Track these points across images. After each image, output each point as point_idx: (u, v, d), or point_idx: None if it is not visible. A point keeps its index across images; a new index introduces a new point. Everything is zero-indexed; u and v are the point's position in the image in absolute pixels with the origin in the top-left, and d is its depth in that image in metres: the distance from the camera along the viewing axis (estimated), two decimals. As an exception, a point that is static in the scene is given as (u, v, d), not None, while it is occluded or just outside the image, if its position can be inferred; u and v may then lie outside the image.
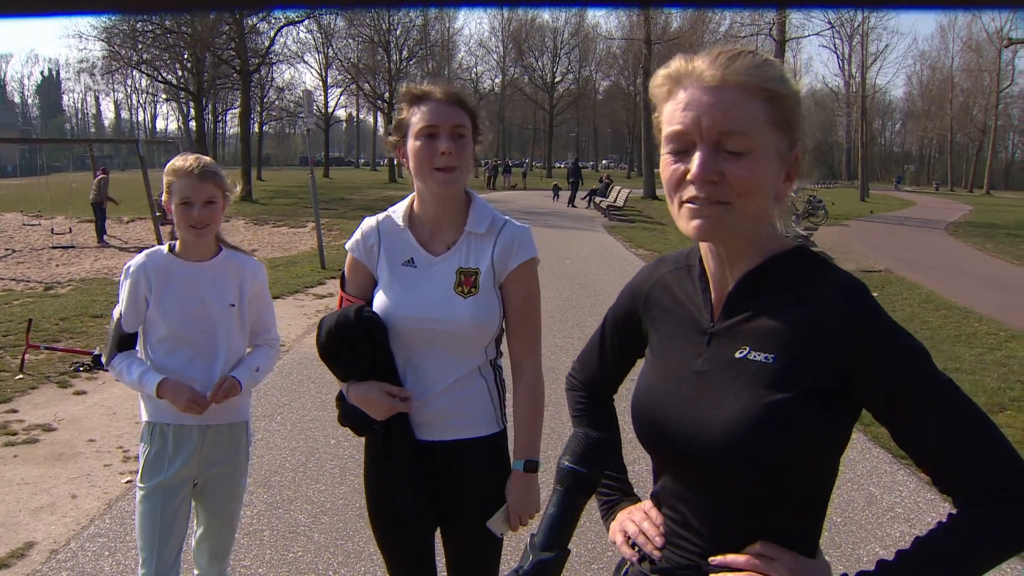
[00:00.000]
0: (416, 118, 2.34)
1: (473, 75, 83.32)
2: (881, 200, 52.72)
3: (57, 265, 16.80)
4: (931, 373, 1.39)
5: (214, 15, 36.96)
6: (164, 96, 64.42)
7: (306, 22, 48.64)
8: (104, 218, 21.22)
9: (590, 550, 4.32)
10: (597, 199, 34.78)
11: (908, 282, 15.42)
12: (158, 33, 38.63)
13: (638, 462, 1.89)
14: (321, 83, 69.73)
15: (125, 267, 3.06)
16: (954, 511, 1.41)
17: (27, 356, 8.11)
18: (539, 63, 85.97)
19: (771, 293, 1.50)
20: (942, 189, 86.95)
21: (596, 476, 1.45)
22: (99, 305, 11.32)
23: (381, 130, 78.91)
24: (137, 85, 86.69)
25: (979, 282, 16.29)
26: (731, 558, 1.51)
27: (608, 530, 1.81)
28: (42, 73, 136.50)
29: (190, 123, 56.79)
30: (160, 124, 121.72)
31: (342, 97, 76.53)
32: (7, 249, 19.49)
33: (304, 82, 78.27)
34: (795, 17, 41.14)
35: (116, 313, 3.04)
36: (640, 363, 1.81)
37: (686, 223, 1.45)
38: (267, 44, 43.71)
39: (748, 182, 1.40)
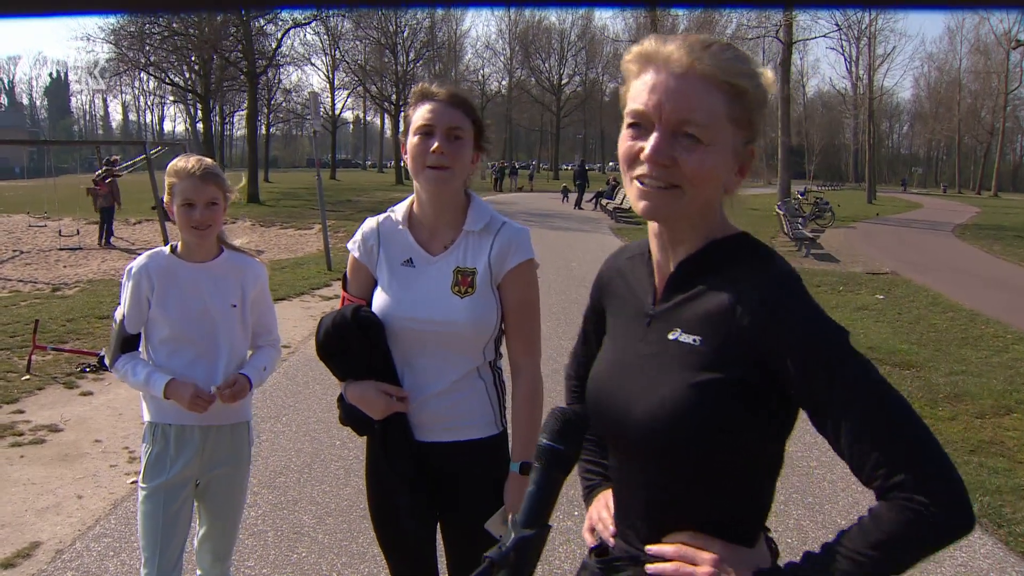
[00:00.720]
0: (416, 115, 2.38)
1: (480, 77, 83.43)
2: (888, 202, 52.63)
3: (64, 266, 16.84)
4: (847, 363, 1.37)
5: (221, 17, 37.07)
6: (172, 98, 64.70)
7: (313, 24, 48.77)
8: (112, 220, 21.25)
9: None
10: (603, 201, 34.75)
11: (915, 284, 15.38)
12: (165, 35, 38.75)
13: None
14: (328, 85, 69.86)
15: (127, 268, 3.07)
16: (874, 504, 1.39)
17: (34, 357, 8.13)
18: (546, 65, 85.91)
19: (707, 277, 1.52)
20: (950, 191, 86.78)
21: (573, 453, 1.46)
22: (106, 306, 11.33)
23: (388, 132, 79.37)
24: (145, 87, 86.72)
25: (986, 284, 16.24)
26: (660, 548, 1.53)
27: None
28: (50, 75, 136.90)
29: (197, 125, 56.86)
30: (168, 126, 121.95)
31: (349, 99, 76.71)
32: (15, 250, 19.54)
33: (311, 84, 78.86)
34: (802, 19, 41.04)
35: (118, 315, 3.05)
36: None
37: (635, 200, 1.49)
38: (274, 46, 43.76)
39: (699, 172, 1.43)
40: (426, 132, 2.34)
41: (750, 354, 1.43)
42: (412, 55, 65.14)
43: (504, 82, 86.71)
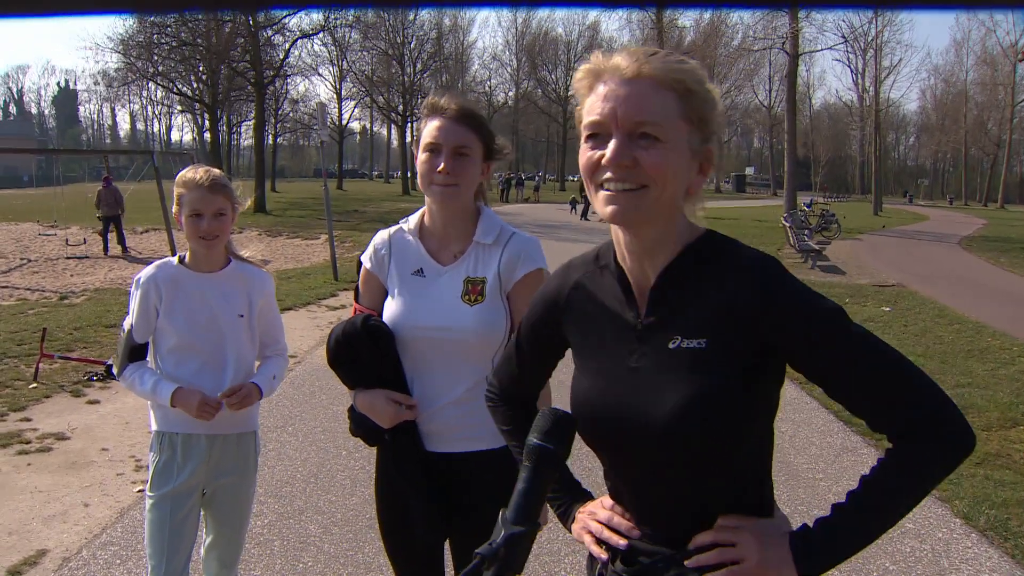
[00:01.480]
0: (425, 132, 2.41)
1: (487, 88, 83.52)
2: (894, 214, 52.60)
3: (71, 275, 16.92)
4: (849, 327, 1.48)
5: (229, 27, 37.23)
6: (179, 108, 64.94)
7: (320, 35, 48.89)
8: (121, 228, 21.30)
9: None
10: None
11: (921, 296, 15.36)
12: (174, 45, 38.93)
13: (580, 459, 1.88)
14: (335, 95, 70.01)
15: (135, 278, 3.09)
16: (889, 446, 1.52)
17: (41, 365, 8.17)
18: (553, 76, 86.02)
19: (691, 281, 1.57)
20: (956, 203, 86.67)
21: (562, 452, 1.49)
22: (113, 315, 11.37)
23: (395, 142, 79.45)
24: (152, 97, 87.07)
25: (993, 296, 16.21)
26: (700, 539, 1.58)
27: (572, 533, 1.84)
28: (58, 84, 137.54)
29: (205, 135, 57.19)
30: (175, 135, 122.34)
31: (356, 109, 76.85)
32: (22, 259, 19.63)
33: (318, 94, 78.71)
34: (808, 31, 41.15)
35: (127, 324, 3.07)
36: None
37: (603, 207, 1.51)
38: (282, 56, 43.92)
39: (659, 167, 1.47)
40: (433, 150, 2.38)
41: (755, 341, 1.50)
42: (419, 66, 65.34)
43: (511, 93, 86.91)
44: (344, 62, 65.51)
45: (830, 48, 51.83)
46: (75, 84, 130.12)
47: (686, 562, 1.59)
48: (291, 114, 62.66)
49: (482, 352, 2.45)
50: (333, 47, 61.93)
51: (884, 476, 1.49)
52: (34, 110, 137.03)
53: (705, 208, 1.68)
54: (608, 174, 1.49)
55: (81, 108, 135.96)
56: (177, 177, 3.04)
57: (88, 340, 9.83)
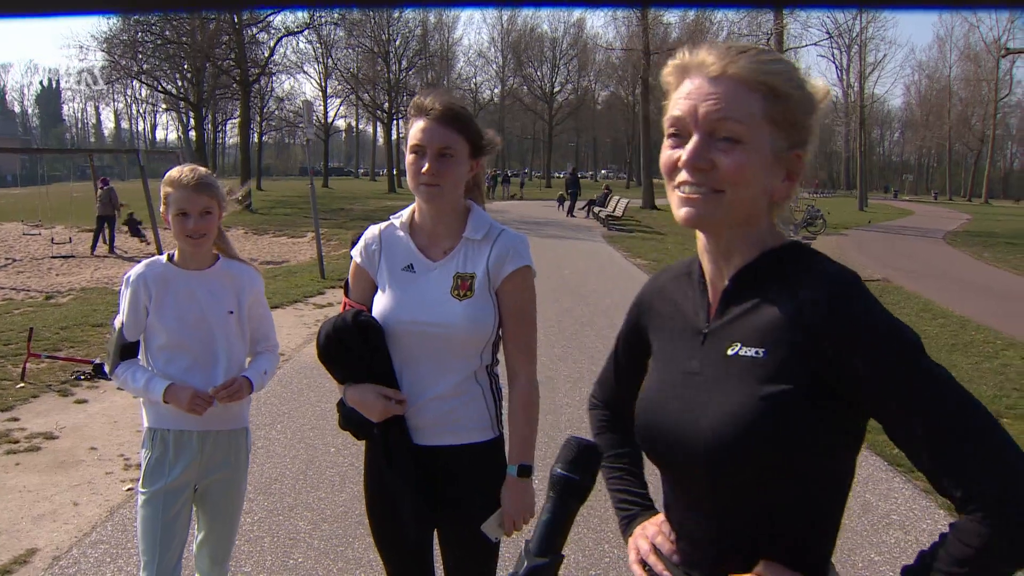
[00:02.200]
0: (410, 133, 2.45)
1: (472, 85, 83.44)
2: (880, 209, 52.84)
3: (57, 275, 16.86)
4: (923, 362, 1.32)
5: (213, 25, 37.11)
6: (164, 106, 64.82)
7: (306, 32, 48.86)
8: (113, 228, 21.26)
9: (587, 556, 4.36)
10: (596, 209, 34.85)
11: (906, 291, 15.47)
12: (158, 43, 38.81)
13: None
14: (321, 93, 69.89)
15: (124, 276, 3.11)
16: (954, 520, 1.31)
17: (28, 365, 8.14)
18: (538, 73, 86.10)
19: (763, 289, 1.47)
20: (941, 198, 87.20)
21: (588, 482, 1.44)
22: (99, 314, 11.35)
23: (380, 140, 79.28)
24: (137, 95, 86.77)
25: (977, 291, 16.35)
26: None
27: (627, 545, 1.77)
28: (41, 83, 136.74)
29: (190, 133, 57.00)
30: (160, 134, 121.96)
31: (341, 107, 76.79)
32: (7, 258, 19.54)
33: (304, 92, 78.72)
34: (793, 27, 41.30)
35: (117, 322, 3.09)
36: None
37: (677, 209, 1.47)
38: (267, 54, 43.89)
39: (737, 171, 1.40)
40: (418, 152, 2.42)
41: (816, 361, 1.37)
42: (404, 63, 65.22)
43: (496, 90, 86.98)
44: (329, 60, 65.45)
45: (815, 44, 52.30)
46: (58, 83, 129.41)
47: None
48: (276, 112, 62.60)
49: (470, 347, 2.48)
50: (318, 45, 62.04)
51: (944, 556, 1.29)
52: (17, 109, 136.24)
53: (794, 213, 1.59)
54: (684, 176, 1.44)
55: (65, 107, 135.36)
56: (165, 176, 3.06)
57: (75, 340, 9.80)
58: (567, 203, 38.48)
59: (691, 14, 47.54)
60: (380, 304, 2.52)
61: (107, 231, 21.03)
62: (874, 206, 55.15)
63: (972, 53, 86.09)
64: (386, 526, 2.62)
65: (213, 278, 3.13)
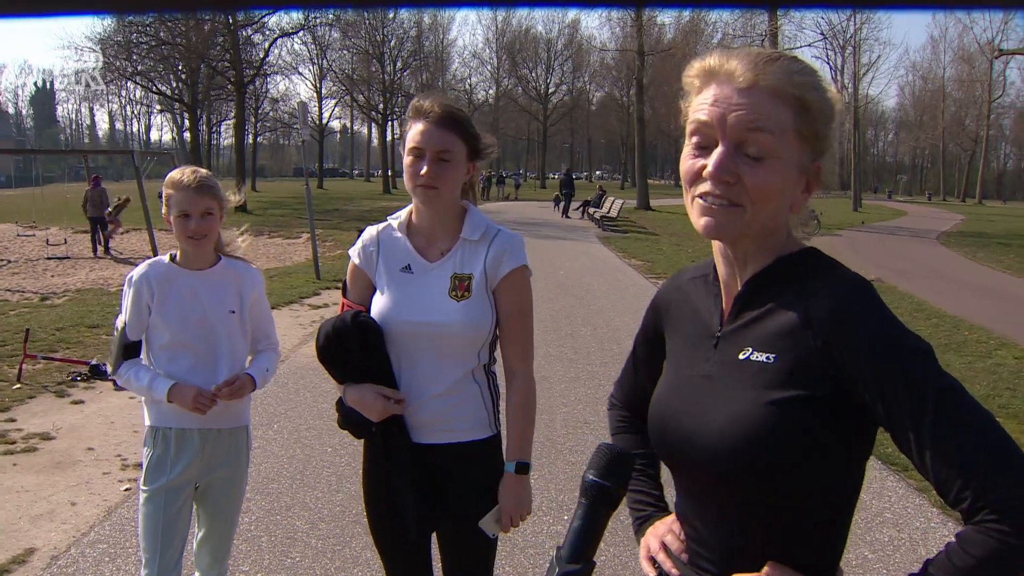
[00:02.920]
0: (409, 135, 2.47)
1: (467, 86, 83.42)
2: (874, 210, 52.96)
3: (52, 276, 16.84)
4: (933, 372, 1.31)
5: (208, 26, 37.08)
6: (159, 107, 64.72)
7: (300, 33, 48.83)
8: (106, 229, 21.23)
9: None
10: (591, 210, 34.89)
11: (900, 291, 15.52)
12: (153, 44, 38.74)
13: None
14: (315, 94, 69.89)
15: (127, 277, 3.13)
16: (960, 529, 1.29)
17: (24, 366, 8.15)
18: (533, 74, 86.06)
19: (777, 294, 1.47)
20: (935, 199, 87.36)
21: (619, 490, 1.45)
22: (95, 315, 11.36)
23: (375, 141, 79.25)
24: (131, 96, 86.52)
25: (970, 291, 16.41)
26: None
27: (639, 544, 1.79)
28: (36, 84, 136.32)
29: (184, 134, 56.87)
30: (154, 135, 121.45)
31: (336, 108, 76.76)
32: (2, 260, 19.51)
33: (299, 93, 78.67)
34: (787, 28, 41.36)
35: (120, 322, 3.11)
36: None
37: (697, 218, 1.45)
38: (262, 55, 43.85)
39: (764, 188, 1.39)
40: (416, 154, 2.44)
41: (827, 369, 1.37)
42: (399, 64, 65.26)
43: (491, 91, 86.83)
44: (324, 61, 65.50)
45: (809, 45, 52.01)
46: (52, 84, 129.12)
47: None
48: (271, 113, 62.57)
49: (468, 346, 2.51)
50: (313, 46, 62.01)
51: (949, 564, 1.26)
52: (11, 110, 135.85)
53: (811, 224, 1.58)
54: (706, 187, 1.41)
55: (59, 108, 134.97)
56: (166, 178, 3.09)
57: (71, 341, 9.81)
58: (562, 204, 38.50)
59: (686, 15, 47.69)
60: (379, 305, 2.54)
61: (100, 233, 21.00)
62: (868, 207, 55.27)
63: (966, 54, 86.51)
64: (385, 524, 2.65)
65: (215, 278, 3.16)
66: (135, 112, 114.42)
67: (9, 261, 19.29)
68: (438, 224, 2.56)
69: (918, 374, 1.30)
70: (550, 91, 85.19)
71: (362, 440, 2.67)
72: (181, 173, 3.08)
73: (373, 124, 71.30)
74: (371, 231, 2.66)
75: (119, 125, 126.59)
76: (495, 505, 2.52)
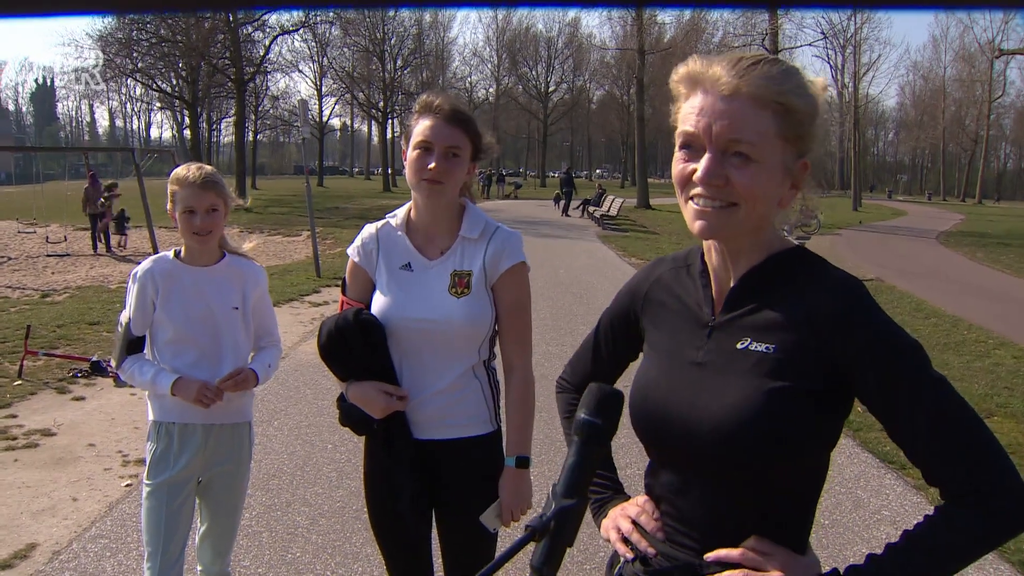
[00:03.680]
0: (417, 129, 2.48)
1: (467, 84, 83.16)
2: (874, 209, 52.95)
3: (52, 273, 16.85)
4: (923, 370, 1.43)
5: (209, 24, 37.07)
6: (159, 104, 64.73)
7: (301, 31, 48.82)
8: (107, 226, 21.21)
9: (582, 550, 4.40)
10: (591, 208, 34.90)
11: (899, 291, 15.54)
12: (153, 42, 38.73)
13: (630, 466, 1.92)
14: (316, 92, 69.85)
15: (132, 273, 3.16)
16: (940, 504, 1.45)
17: (25, 362, 8.17)
18: (533, 73, 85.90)
19: (772, 289, 1.56)
20: (935, 199, 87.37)
21: (610, 427, 1.47)
22: (96, 312, 11.38)
23: (375, 139, 79.27)
24: (132, 93, 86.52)
25: (969, 291, 16.43)
26: (725, 553, 1.54)
27: (600, 528, 1.83)
28: (36, 81, 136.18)
29: (184, 132, 56.90)
30: (155, 132, 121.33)
31: (337, 106, 76.74)
32: (2, 256, 19.51)
33: (299, 91, 78.71)
34: (787, 27, 41.36)
35: (123, 318, 3.13)
36: (632, 366, 1.86)
37: (691, 221, 1.52)
38: (262, 53, 43.85)
39: (751, 188, 1.46)
40: (425, 148, 2.45)
41: (824, 362, 1.46)
42: (400, 62, 65.19)
43: (491, 89, 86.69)
44: (324, 58, 65.42)
45: (809, 44, 52.07)
46: (52, 81, 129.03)
47: (705, 575, 1.57)
48: (271, 111, 62.52)
49: (469, 342, 2.54)
50: (313, 43, 61.94)
51: (928, 536, 1.42)
52: (12, 107, 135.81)
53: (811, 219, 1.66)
54: (698, 190, 1.49)
55: (59, 105, 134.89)
56: (171, 175, 3.11)
57: (71, 337, 9.83)
58: (562, 202, 38.51)
59: (686, 14, 47.64)
60: (379, 302, 2.56)
61: (103, 228, 20.97)
62: (868, 206, 55.23)
63: (966, 54, 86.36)
64: (386, 519, 2.67)
65: (219, 274, 3.18)
66: (135, 109, 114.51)
67: (10, 258, 19.29)
68: (438, 222, 2.57)
69: (913, 368, 1.43)
70: (550, 89, 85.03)
71: (363, 437, 2.69)
72: (187, 169, 3.10)
73: (373, 122, 71.29)
74: (370, 229, 2.68)
75: (119, 122, 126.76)
76: (496, 500, 2.54)
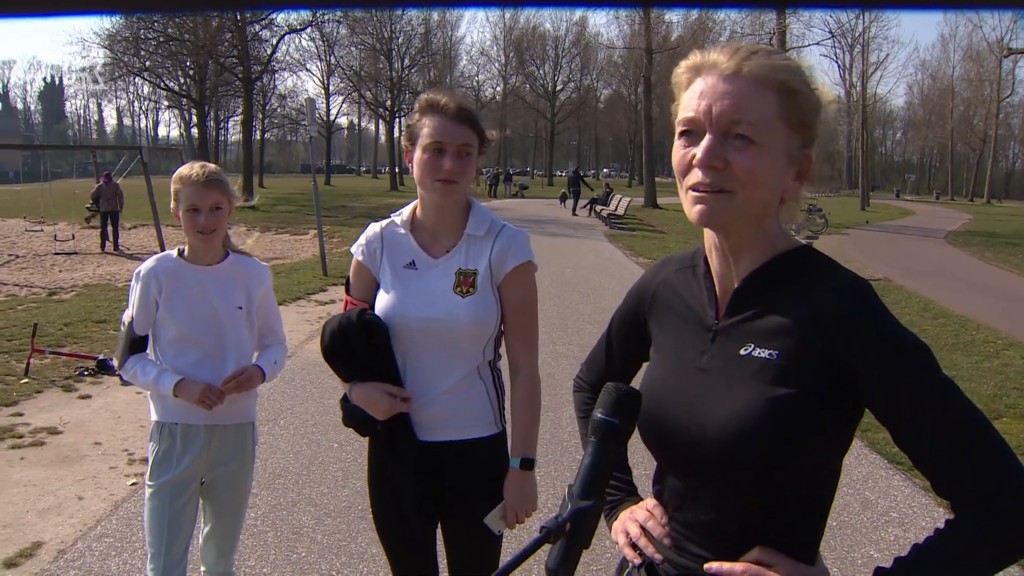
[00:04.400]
0: (425, 131, 2.43)
1: (475, 83, 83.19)
2: (882, 209, 52.84)
3: (60, 271, 16.88)
4: (930, 373, 1.38)
5: (216, 22, 37.12)
6: (166, 103, 64.78)
7: (308, 30, 48.88)
8: (117, 224, 21.23)
9: (590, 551, 4.38)
10: (598, 207, 34.86)
11: (907, 290, 15.48)
12: (161, 41, 38.78)
13: (638, 465, 1.90)
14: (323, 91, 69.91)
15: (135, 272, 3.14)
16: (951, 516, 1.39)
17: (32, 360, 8.18)
18: (541, 72, 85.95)
19: (776, 291, 1.51)
20: (943, 198, 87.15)
21: (627, 427, 1.45)
22: (102, 311, 11.39)
23: (383, 138, 79.24)
24: (139, 92, 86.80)
25: (977, 290, 16.36)
26: (728, 567, 1.50)
27: (610, 529, 1.80)
28: (44, 80, 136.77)
29: (192, 130, 57.02)
30: (162, 131, 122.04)
31: (344, 105, 76.83)
32: (10, 255, 19.56)
33: (306, 90, 78.86)
34: (795, 27, 41.26)
35: (127, 317, 3.12)
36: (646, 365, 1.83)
37: (689, 208, 1.47)
38: (269, 52, 43.88)
39: (752, 171, 1.41)
40: (437, 149, 2.41)
41: (828, 366, 1.42)
42: (407, 61, 65.27)
43: (499, 88, 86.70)
44: (332, 57, 65.41)
45: (817, 44, 52.14)
46: (60, 80, 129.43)
47: None
48: (279, 109, 62.62)
49: (474, 342, 2.51)
50: (321, 42, 62.00)
51: (937, 546, 1.37)
52: (20, 106, 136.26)
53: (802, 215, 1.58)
54: (698, 176, 1.44)
55: (67, 103, 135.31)
56: (175, 173, 3.09)
57: (78, 336, 9.84)
58: (570, 201, 38.46)
59: (694, 13, 47.56)
60: (383, 302, 2.54)
61: (111, 227, 21.00)
62: (875, 206, 55.16)
63: (975, 53, 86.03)
64: (391, 521, 2.65)
65: (223, 273, 3.16)
66: (143, 108, 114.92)
67: (17, 256, 19.34)
68: (445, 221, 2.55)
69: (920, 371, 1.38)
70: (558, 88, 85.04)
71: (367, 437, 2.68)
72: (190, 168, 3.08)
73: (380, 121, 71.32)
74: (374, 227, 2.65)
75: (127, 121, 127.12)
76: (500, 501, 2.52)
